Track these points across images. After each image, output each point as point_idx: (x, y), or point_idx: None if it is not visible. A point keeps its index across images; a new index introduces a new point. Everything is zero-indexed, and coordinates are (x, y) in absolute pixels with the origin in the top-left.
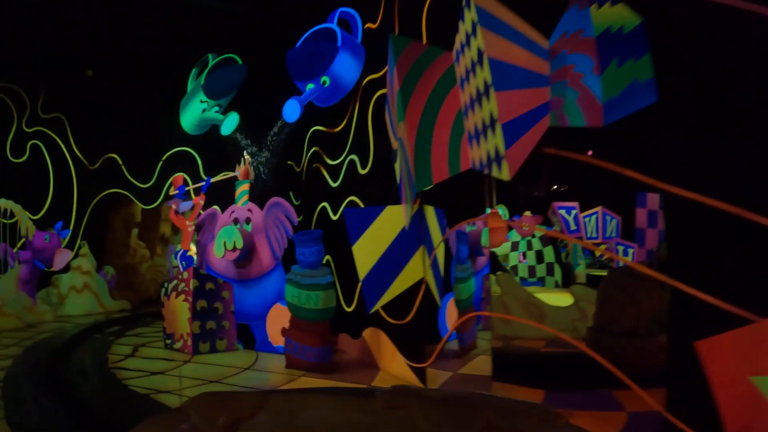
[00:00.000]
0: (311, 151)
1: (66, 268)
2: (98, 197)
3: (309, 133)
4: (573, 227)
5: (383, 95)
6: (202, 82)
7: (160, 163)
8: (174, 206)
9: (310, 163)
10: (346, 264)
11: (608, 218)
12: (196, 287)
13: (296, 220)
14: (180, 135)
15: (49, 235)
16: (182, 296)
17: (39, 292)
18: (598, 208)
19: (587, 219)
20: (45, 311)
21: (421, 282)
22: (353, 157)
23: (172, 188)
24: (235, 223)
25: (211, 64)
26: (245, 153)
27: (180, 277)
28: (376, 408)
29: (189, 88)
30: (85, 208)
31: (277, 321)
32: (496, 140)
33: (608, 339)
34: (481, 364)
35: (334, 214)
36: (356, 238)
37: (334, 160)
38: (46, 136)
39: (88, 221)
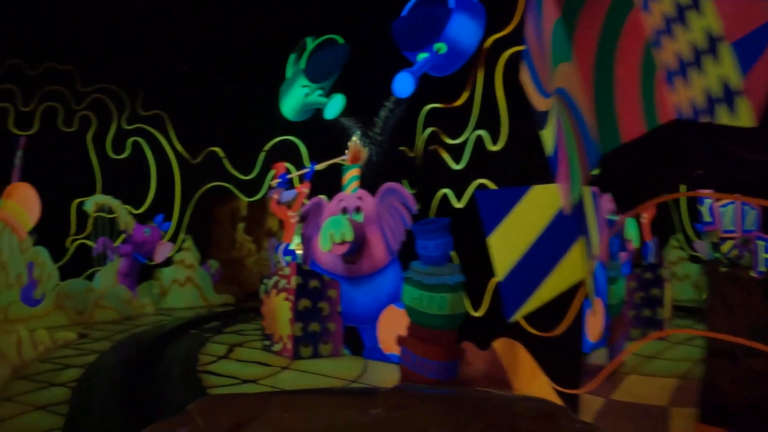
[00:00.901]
0: (427, 132)
1: (168, 262)
2: (201, 191)
3: (423, 112)
4: (707, 219)
5: (515, 54)
6: (303, 66)
7: (262, 153)
8: (276, 196)
9: (426, 145)
10: (473, 259)
11: (747, 209)
12: (299, 285)
13: (415, 207)
14: (281, 123)
15: (150, 228)
16: (283, 294)
17: (140, 285)
18: (736, 197)
19: (723, 209)
20: (145, 304)
21: (578, 284)
22: (480, 132)
23: (273, 178)
24: (344, 213)
25: (310, 47)
26: (353, 135)
27: (281, 273)
28: (377, 408)
29: (288, 74)
30: (188, 203)
31: (391, 325)
32: (722, 69)
33: None
34: (637, 388)
35: (459, 200)
36: (493, 226)
37: (455, 138)
38: (146, 132)
39: (191, 215)
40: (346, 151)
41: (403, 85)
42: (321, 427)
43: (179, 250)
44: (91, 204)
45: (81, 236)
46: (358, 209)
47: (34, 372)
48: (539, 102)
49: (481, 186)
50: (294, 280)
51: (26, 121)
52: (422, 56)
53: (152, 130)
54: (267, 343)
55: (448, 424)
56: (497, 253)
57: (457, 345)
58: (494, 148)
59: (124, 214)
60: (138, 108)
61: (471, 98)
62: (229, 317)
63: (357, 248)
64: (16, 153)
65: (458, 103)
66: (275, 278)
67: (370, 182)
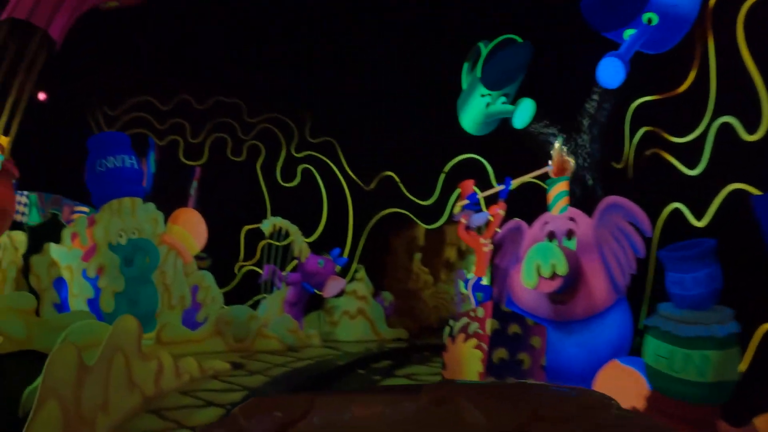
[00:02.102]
0: (639, 133)
1: (340, 293)
2: (375, 218)
3: (630, 111)
4: None
5: (756, 4)
6: (479, 74)
7: (442, 175)
8: (464, 220)
9: (638, 151)
10: (738, 296)
11: None
12: (495, 330)
13: (650, 230)
14: (462, 140)
15: (324, 261)
16: (473, 341)
17: (308, 315)
18: None
19: None
20: (311, 335)
21: None
22: (726, 120)
23: (459, 200)
24: (551, 239)
25: (484, 52)
26: (555, 143)
27: (473, 314)
28: (422, 402)
29: (464, 85)
30: (362, 231)
31: (613, 388)
32: None
33: None
34: None
35: (698, 217)
36: None
37: (684, 135)
38: (316, 160)
39: (365, 244)
40: (549, 162)
41: (611, 72)
42: (368, 423)
43: (351, 280)
44: (268, 224)
45: (249, 263)
46: (569, 233)
47: (169, 406)
48: None
49: (738, 193)
50: (489, 325)
51: (196, 152)
52: (629, 33)
53: (322, 157)
54: None
55: (495, 414)
56: None
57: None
58: (751, 138)
59: (299, 239)
60: (306, 135)
61: (701, 77)
62: (402, 356)
63: (571, 283)
64: (191, 183)
65: (680, 89)
66: (464, 320)
67: (579, 199)
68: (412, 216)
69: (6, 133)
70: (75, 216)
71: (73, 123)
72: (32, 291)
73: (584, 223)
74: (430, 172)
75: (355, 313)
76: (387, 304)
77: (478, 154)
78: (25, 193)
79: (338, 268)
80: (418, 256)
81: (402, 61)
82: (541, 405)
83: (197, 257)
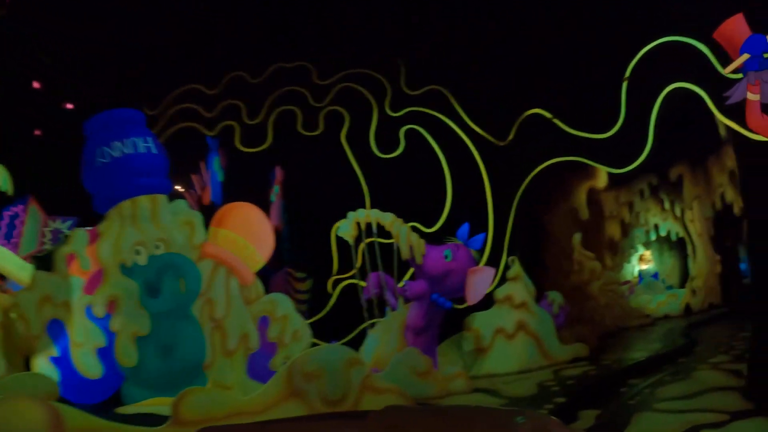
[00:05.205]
0: None
1: (488, 302)
2: (527, 181)
3: None
4: None
5: None
6: None
7: (624, 84)
8: (752, 94)
9: None
10: None
11: None
12: None
13: None
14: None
15: (451, 249)
16: None
17: (443, 343)
18: None
19: None
20: (452, 376)
21: None
22: None
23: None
24: None
25: None
26: None
27: None
28: (370, 429)
29: None
30: (507, 205)
31: None
32: None
33: None
34: None
35: None
36: None
37: None
38: (423, 117)
39: (514, 223)
40: None
41: None
42: None
43: (501, 280)
44: (348, 225)
45: (347, 275)
46: None
47: None
48: None
49: None
50: None
51: (257, 136)
52: None
53: (431, 112)
54: None
55: None
56: None
57: None
58: None
59: (404, 233)
60: (403, 87)
61: None
62: (608, 388)
63: None
64: (271, 189)
65: None
66: None
67: None
68: (586, 161)
69: None
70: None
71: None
72: None
73: None
74: (599, 92)
75: (513, 330)
76: (557, 311)
77: (694, 39)
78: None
79: (476, 253)
80: (578, 236)
81: None
82: (490, 430)
83: (290, 276)
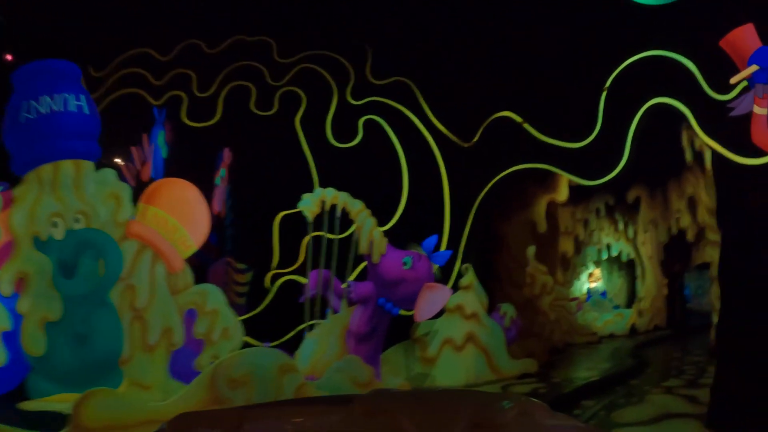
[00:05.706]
0: None
1: (439, 311)
2: (488, 186)
3: None
4: None
5: None
6: None
7: (603, 93)
8: (759, 108)
9: None
10: None
11: None
12: None
13: None
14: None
15: (412, 258)
16: None
17: (387, 351)
18: None
19: None
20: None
21: None
22: None
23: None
24: None
25: None
26: None
27: None
28: (356, 415)
29: None
30: (465, 210)
31: None
32: None
33: None
34: None
35: None
36: None
37: None
38: (385, 108)
39: (470, 230)
40: None
41: None
42: None
43: (453, 288)
44: (311, 200)
45: (288, 270)
46: None
47: None
48: None
49: None
50: None
51: (204, 109)
52: None
53: (394, 104)
54: None
55: (433, 424)
56: None
57: None
58: None
59: (369, 226)
60: (368, 75)
61: None
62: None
63: None
64: (217, 172)
65: None
66: None
67: None
68: (554, 169)
69: None
70: None
71: None
72: None
73: None
74: (575, 100)
75: (462, 342)
76: (509, 324)
77: (676, 53)
78: None
79: (436, 268)
80: (532, 249)
81: None
82: (477, 413)
83: (230, 267)
